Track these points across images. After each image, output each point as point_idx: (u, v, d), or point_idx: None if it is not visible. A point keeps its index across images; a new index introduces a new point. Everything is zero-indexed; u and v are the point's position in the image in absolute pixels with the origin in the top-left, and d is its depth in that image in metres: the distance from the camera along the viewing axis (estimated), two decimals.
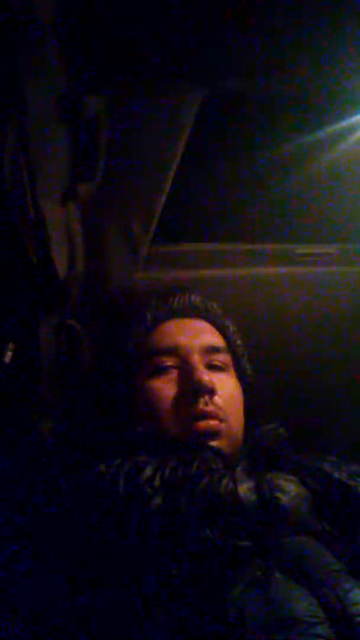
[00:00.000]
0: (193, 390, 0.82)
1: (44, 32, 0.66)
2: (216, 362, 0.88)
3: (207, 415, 0.81)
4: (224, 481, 0.68)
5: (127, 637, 0.62)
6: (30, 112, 0.68)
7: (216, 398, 0.83)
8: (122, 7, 0.67)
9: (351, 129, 0.88)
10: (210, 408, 0.82)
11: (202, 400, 0.82)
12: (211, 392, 0.83)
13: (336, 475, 0.72)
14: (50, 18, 0.65)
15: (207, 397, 0.82)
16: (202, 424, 0.81)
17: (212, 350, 0.89)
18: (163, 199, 0.87)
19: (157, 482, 0.69)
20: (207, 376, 0.83)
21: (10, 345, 0.79)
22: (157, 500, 0.67)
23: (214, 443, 0.80)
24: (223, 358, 0.90)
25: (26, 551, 0.77)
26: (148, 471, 0.70)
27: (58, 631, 0.69)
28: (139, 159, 0.84)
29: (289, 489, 0.68)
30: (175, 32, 0.71)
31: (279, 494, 0.67)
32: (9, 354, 0.78)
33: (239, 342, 0.95)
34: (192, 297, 0.94)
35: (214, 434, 0.81)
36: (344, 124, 0.87)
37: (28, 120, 0.68)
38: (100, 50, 0.71)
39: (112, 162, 0.81)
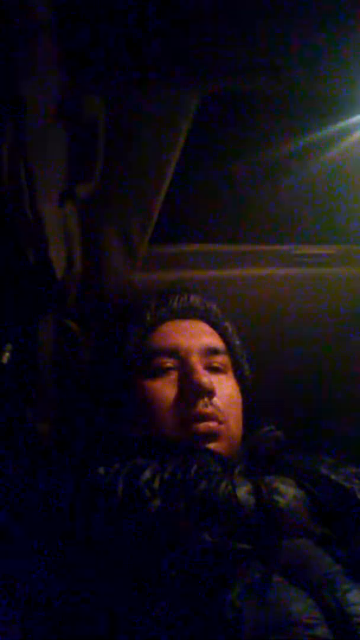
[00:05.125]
0: (192, 392, 0.82)
1: (43, 32, 0.66)
2: (215, 364, 0.88)
3: (206, 417, 0.81)
4: (223, 484, 0.68)
5: (126, 638, 0.62)
6: (28, 112, 0.68)
7: (215, 400, 0.83)
8: (121, 7, 0.67)
9: (351, 129, 0.88)
10: (209, 410, 0.82)
11: (201, 402, 0.82)
12: (210, 393, 0.82)
13: (333, 477, 0.72)
14: (49, 18, 0.65)
15: (206, 399, 0.82)
16: (201, 425, 0.81)
17: (212, 351, 0.88)
18: (161, 199, 0.87)
19: (156, 484, 0.69)
20: (206, 378, 0.83)
21: (8, 346, 0.79)
22: (156, 502, 0.67)
23: (212, 445, 0.80)
24: (222, 359, 0.89)
25: (25, 552, 0.77)
26: (147, 474, 0.70)
27: (56, 632, 0.69)
28: (137, 159, 0.83)
29: (287, 492, 0.69)
30: (174, 31, 0.71)
31: (277, 497, 0.67)
32: (7, 354, 0.78)
33: (238, 343, 0.95)
34: (192, 298, 0.93)
35: (213, 436, 0.81)
36: (344, 124, 0.87)
37: (26, 120, 0.68)
38: (99, 51, 0.71)
39: (111, 163, 0.81)
